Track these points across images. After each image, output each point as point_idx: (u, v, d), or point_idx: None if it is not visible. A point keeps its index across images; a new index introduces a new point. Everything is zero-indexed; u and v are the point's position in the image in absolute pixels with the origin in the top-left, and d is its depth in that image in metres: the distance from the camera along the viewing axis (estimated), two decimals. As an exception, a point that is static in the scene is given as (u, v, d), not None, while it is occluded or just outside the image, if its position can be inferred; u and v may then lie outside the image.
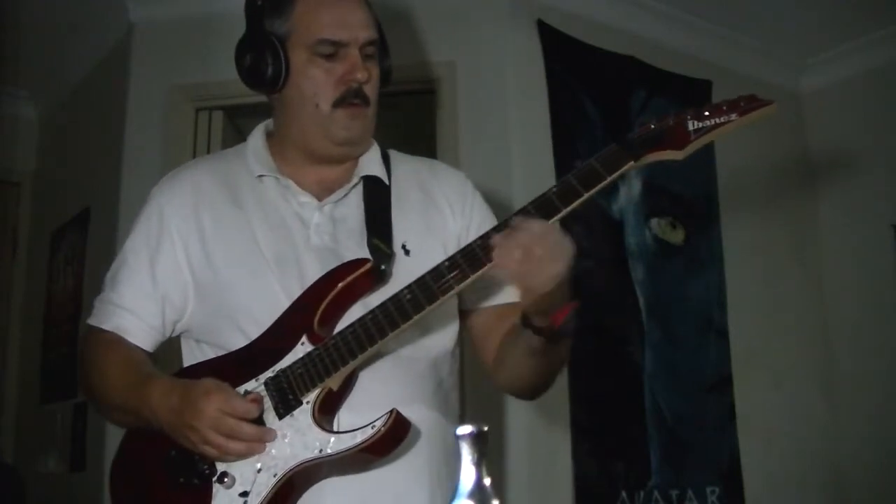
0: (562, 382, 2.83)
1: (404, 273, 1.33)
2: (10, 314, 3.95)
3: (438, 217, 1.47)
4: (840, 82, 3.76)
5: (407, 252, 1.40)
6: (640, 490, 2.97)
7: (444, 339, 1.44)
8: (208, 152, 3.10)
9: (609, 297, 3.08)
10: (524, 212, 1.23)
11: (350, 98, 1.40)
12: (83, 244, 3.44)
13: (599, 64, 3.22)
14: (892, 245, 3.54)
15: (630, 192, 3.19)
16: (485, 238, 1.24)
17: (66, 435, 3.33)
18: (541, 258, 1.17)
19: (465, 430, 0.76)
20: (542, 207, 1.23)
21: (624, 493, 2.93)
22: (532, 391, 1.46)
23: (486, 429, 0.76)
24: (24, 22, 3.37)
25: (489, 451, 0.77)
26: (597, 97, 3.19)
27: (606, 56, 3.24)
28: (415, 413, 1.29)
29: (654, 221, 3.26)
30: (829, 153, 3.77)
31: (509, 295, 1.43)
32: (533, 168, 2.99)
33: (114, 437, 3.00)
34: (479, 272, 1.23)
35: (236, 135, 3.37)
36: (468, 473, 0.74)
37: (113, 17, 3.25)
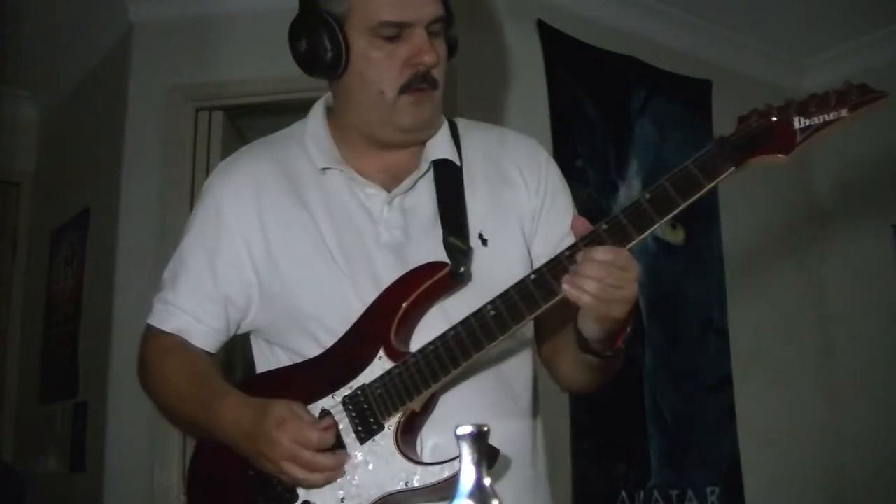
0: (562, 382, 2.83)
1: (483, 266, 1.28)
2: (10, 314, 3.94)
3: (511, 193, 1.38)
4: (840, 82, 3.75)
5: (484, 242, 1.31)
6: (640, 490, 2.97)
7: (526, 344, 1.38)
8: (208, 152, 3.09)
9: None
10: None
11: (417, 83, 1.29)
12: (83, 244, 3.44)
13: (599, 64, 3.22)
14: (892, 245, 3.54)
15: (630, 192, 3.18)
16: (573, 250, 1.15)
17: (66, 435, 3.32)
18: (614, 286, 1.10)
19: (466, 429, 0.75)
20: (633, 220, 1.13)
21: (624, 493, 2.92)
22: (588, 392, 1.45)
23: (486, 429, 0.75)
24: (24, 22, 3.37)
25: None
26: (597, 97, 3.19)
27: (606, 56, 3.23)
28: (499, 423, 1.17)
29: (654, 221, 3.25)
30: (829, 153, 3.76)
31: None
32: (533, 168, 2.99)
33: (114, 437, 3.01)
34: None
35: (236, 135, 3.37)
36: (468, 473, 0.74)
37: (113, 17, 3.24)
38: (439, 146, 1.38)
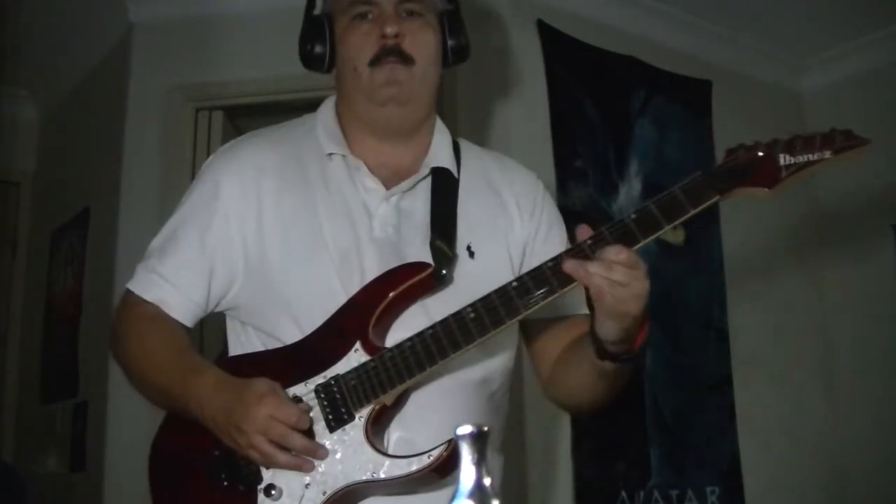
0: (562, 382, 2.83)
1: (467, 276, 1.30)
2: (10, 314, 3.94)
3: (505, 219, 1.42)
4: (840, 82, 3.76)
5: (471, 254, 1.35)
6: (640, 490, 2.97)
7: (503, 358, 1.39)
8: (208, 153, 3.08)
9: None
10: (599, 236, 1.17)
11: (384, 56, 1.35)
12: (83, 244, 3.44)
13: (599, 64, 3.22)
14: (892, 245, 3.54)
15: (630, 192, 3.18)
16: (557, 262, 1.18)
17: (66, 435, 3.32)
18: (623, 283, 1.13)
19: (465, 430, 0.75)
20: (619, 235, 1.17)
21: (624, 493, 2.92)
22: (591, 409, 1.42)
23: (486, 429, 0.75)
24: (24, 22, 3.37)
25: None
26: (597, 97, 3.19)
27: (606, 56, 3.23)
28: None
29: (654, 221, 3.25)
30: (829, 153, 3.76)
31: (571, 307, 1.36)
32: (533, 169, 2.98)
33: (114, 437, 3.01)
34: (549, 298, 1.18)
35: (236, 135, 3.35)
36: (468, 473, 0.74)
37: (113, 17, 3.24)
38: (441, 155, 1.42)
